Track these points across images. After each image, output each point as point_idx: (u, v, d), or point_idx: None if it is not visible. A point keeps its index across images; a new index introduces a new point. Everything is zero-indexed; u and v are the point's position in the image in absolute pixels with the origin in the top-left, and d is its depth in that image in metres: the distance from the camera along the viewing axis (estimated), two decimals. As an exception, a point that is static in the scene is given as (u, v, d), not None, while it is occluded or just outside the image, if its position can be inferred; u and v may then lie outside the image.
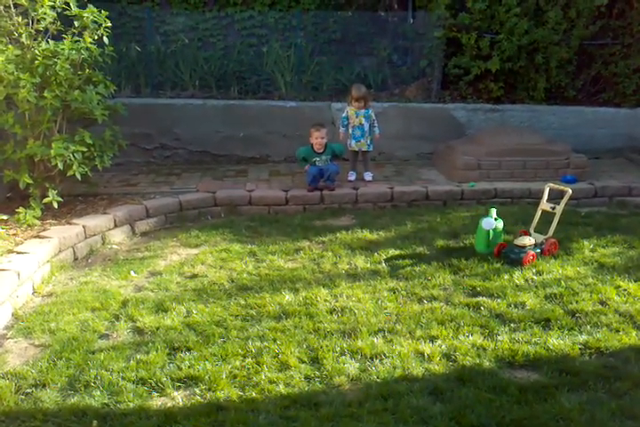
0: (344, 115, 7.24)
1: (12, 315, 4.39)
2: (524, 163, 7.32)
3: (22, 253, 4.92)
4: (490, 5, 8.23)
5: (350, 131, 7.22)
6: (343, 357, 3.82)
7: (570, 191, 5.50)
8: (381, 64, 8.98)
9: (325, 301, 4.57)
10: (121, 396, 3.43)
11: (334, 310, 4.43)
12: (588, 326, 4.16)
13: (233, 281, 4.95)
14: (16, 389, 3.52)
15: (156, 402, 3.42)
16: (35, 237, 5.32)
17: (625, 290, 4.71)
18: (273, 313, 4.37)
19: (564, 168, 7.37)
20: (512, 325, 4.21)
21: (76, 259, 5.46)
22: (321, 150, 6.81)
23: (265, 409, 3.32)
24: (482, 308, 4.45)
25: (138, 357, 3.81)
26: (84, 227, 5.62)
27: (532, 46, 8.41)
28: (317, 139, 6.74)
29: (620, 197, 7.09)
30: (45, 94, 5.62)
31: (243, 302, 4.55)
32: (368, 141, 7.23)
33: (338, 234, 5.90)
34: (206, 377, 3.59)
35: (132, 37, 8.46)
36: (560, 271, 5.05)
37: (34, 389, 3.52)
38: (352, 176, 7.26)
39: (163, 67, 8.59)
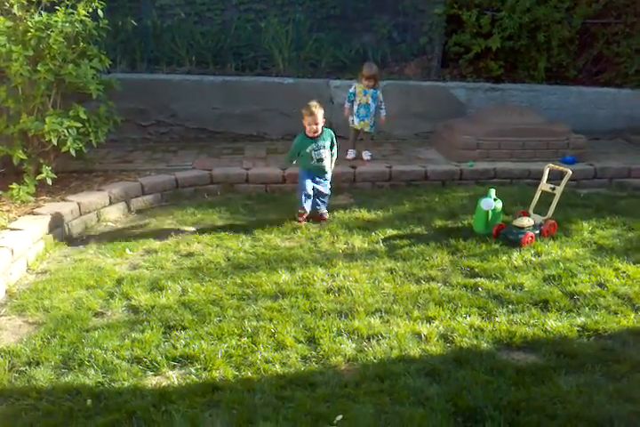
0: (351, 90, 7.09)
1: (6, 292, 4.34)
2: (523, 143, 7.26)
3: (16, 229, 4.86)
4: (492, -18, 8.11)
5: (355, 108, 7.08)
6: (340, 337, 3.79)
7: (570, 172, 5.45)
8: (381, 41, 8.84)
9: (322, 280, 4.54)
10: (115, 374, 3.41)
11: (331, 289, 4.40)
12: (587, 309, 4.14)
13: (229, 260, 4.91)
14: (10, 367, 3.49)
15: (151, 381, 3.39)
16: (28, 213, 5.26)
17: (624, 272, 4.69)
18: (269, 292, 4.34)
19: (563, 149, 7.32)
20: (510, 306, 4.18)
21: (70, 236, 5.41)
22: (315, 136, 5.63)
23: (260, 389, 3.30)
24: (480, 289, 4.42)
25: (133, 335, 3.78)
26: (78, 204, 5.56)
27: (534, 24, 8.30)
28: (310, 125, 5.53)
29: (619, 179, 7.05)
30: (39, 68, 5.51)
31: (239, 280, 4.52)
32: (371, 122, 7.12)
33: (335, 213, 5.85)
34: (202, 356, 3.56)
35: (128, 11, 8.28)
36: (559, 253, 5.03)
37: (27, 367, 3.49)
38: (351, 154, 7.17)
39: (159, 42, 8.44)
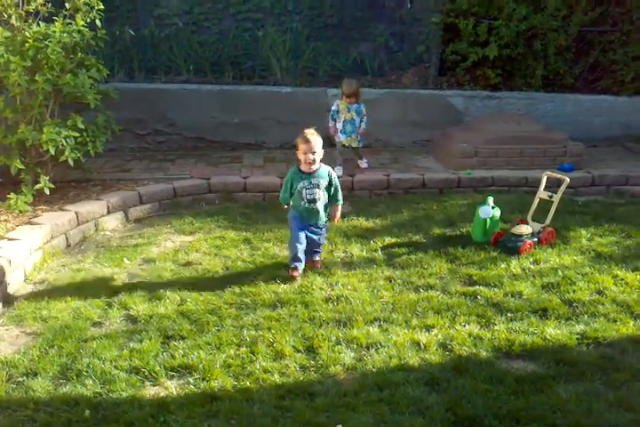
0: (334, 108, 6.97)
1: (3, 302, 4.33)
2: (521, 151, 7.26)
3: (13, 239, 4.85)
4: (488, -10, 8.15)
5: (340, 125, 6.97)
6: (339, 346, 3.78)
7: (567, 180, 5.45)
8: (378, 50, 8.87)
9: (321, 289, 4.53)
10: (113, 385, 3.39)
11: (330, 298, 4.39)
12: (586, 316, 4.14)
13: (227, 269, 4.90)
14: (7, 377, 3.48)
15: (150, 391, 3.38)
16: (26, 223, 5.26)
17: (622, 280, 4.70)
18: (268, 301, 4.33)
19: (561, 156, 7.32)
20: (509, 314, 4.18)
21: (68, 246, 5.40)
22: (310, 170, 4.74)
23: (259, 399, 3.29)
24: (478, 297, 4.42)
25: (131, 345, 3.77)
26: (76, 213, 5.55)
27: (531, 32, 8.32)
28: (306, 154, 4.63)
29: (617, 186, 7.06)
30: (37, 78, 5.52)
31: (237, 289, 4.51)
32: (358, 138, 7.01)
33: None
34: (200, 366, 3.55)
35: (126, 21, 8.30)
36: (557, 260, 5.03)
37: (25, 377, 3.48)
38: (339, 171, 6.84)
39: (157, 51, 8.46)
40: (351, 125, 6.97)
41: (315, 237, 4.83)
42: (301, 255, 4.72)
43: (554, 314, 4.17)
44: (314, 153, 4.61)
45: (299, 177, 4.71)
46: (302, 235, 4.73)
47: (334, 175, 4.81)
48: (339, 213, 4.98)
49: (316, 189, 4.70)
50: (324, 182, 4.73)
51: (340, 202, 4.93)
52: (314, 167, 4.68)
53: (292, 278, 4.66)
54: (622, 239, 5.51)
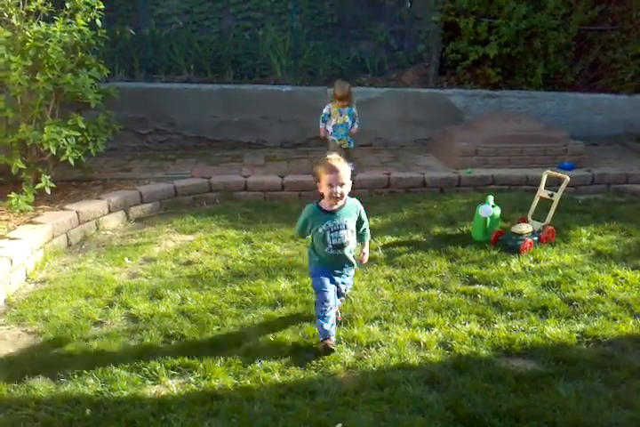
0: (325, 111, 6.87)
1: (5, 302, 4.35)
2: (521, 149, 7.27)
3: (15, 238, 4.86)
4: (488, -11, 8.14)
5: (331, 128, 6.87)
6: (339, 345, 3.78)
7: (568, 178, 5.46)
8: (378, 48, 8.88)
9: (321, 288, 4.53)
10: (114, 384, 3.39)
11: (330, 297, 4.39)
12: (585, 315, 4.15)
13: (228, 268, 4.91)
14: (9, 376, 3.47)
15: (150, 390, 3.39)
16: (27, 222, 5.27)
17: (622, 278, 4.70)
18: (268, 300, 4.33)
19: (561, 155, 7.33)
20: (509, 313, 4.19)
21: (69, 245, 5.41)
22: (334, 207, 3.76)
23: (260, 398, 3.30)
24: (479, 296, 4.42)
25: (132, 344, 3.78)
26: (77, 213, 5.56)
27: (531, 31, 8.33)
28: (332, 187, 3.65)
29: (617, 185, 7.06)
30: (37, 78, 5.54)
31: (238, 289, 4.52)
32: (349, 139, 6.93)
33: (334, 220, 5.85)
34: (201, 365, 3.55)
35: (126, 20, 8.31)
36: (557, 259, 5.03)
37: (26, 376, 3.46)
38: None
39: (157, 50, 8.47)
40: (343, 128, 6.83)
41: (341, 285, 3.88)
42: (331, 330, 3.71)
43: (554, 313, 4.18)
44: (342, 185, 3.66)
45: (319, 217, 3.73)
46: (329, 288, 3.76)
47: (362, 209, 3.90)
48: (367, 251, 4.06)
49: (343, 231, 3.73)
50: (351, 221, 3.79)
51: (368, 238, 4.05)
52: (340, 203, 3.74)
53: (328, 350, 3.66)
54: (622, 238, 5.51)
